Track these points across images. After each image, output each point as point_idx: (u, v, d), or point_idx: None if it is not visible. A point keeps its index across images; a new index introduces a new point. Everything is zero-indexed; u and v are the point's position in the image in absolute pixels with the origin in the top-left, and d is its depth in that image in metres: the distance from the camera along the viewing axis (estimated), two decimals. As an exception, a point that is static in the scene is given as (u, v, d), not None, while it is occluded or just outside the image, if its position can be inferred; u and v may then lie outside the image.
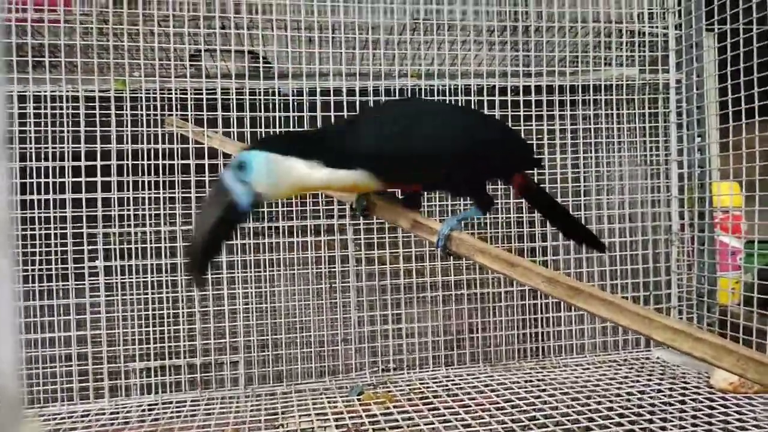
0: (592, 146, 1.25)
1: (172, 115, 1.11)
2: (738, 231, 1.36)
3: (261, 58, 1.16)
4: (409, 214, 0.86)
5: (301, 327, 1.20)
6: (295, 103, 1.13)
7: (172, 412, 1.01)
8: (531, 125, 1.20)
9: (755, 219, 1.11)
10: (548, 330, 1.26)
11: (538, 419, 0.92)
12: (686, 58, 1.22)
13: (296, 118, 1.13)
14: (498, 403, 0.99)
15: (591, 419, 0.90)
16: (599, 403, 0.97)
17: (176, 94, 1.10)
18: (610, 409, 0.94)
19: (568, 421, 0.90)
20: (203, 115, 1.10)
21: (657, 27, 1.24)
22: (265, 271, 1.15)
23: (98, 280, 1.09)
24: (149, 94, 1.11)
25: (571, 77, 1.23)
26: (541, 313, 1.26)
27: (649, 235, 1.25)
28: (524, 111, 1.20)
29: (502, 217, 1.23)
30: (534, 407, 0.96)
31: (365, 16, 1.16)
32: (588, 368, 1.17)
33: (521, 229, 1.22)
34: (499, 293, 1.23)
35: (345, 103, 1.14)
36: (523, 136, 1.16)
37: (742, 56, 1.09)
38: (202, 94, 1.11)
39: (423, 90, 1.18)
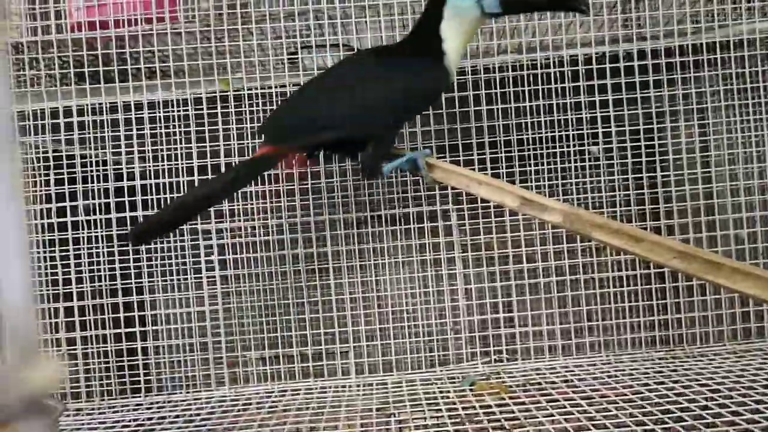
0: (722, 111, 1.12)
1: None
2: None
3: (356, 50, 1.16)
4: (516, 189, 0.81)
5: (409, 316, 1.18)
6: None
7: (287, 400, 1.03)
8: (649, 92, 1.10)
9: None
10: (679, 317, 1.14)
11: (674, 412, 0.83)
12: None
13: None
14: (625, 395, 0.91)
15: (736, 413, 0.79)
16: (744, 396, 0.85)
17: (276, 89, 1.12)
18: (760, 402, 0.82)
19: (709, 415, 0.80)
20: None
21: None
22: (369, 261, 1.15)
23: (214, 273, 1.14)
24: (251, 92, 1.14)
25: (693, 36, 1.10)
26: (671, 297, 1.15)
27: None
28: (640, 78, 1.10)
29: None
30: (668, 399, 0.87)
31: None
32: (728, 357, 1.05)
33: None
34: (620, 277, 1.13)
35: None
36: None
37: None
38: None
39: (525, 65, 1.11)
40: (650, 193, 1.13)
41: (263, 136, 0.96)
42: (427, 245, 1.14)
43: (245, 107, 1.13)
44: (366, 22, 1.14)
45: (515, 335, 1.15)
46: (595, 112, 1.10)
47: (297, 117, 0.92)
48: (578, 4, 0.83)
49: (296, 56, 1.19)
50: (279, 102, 1.12)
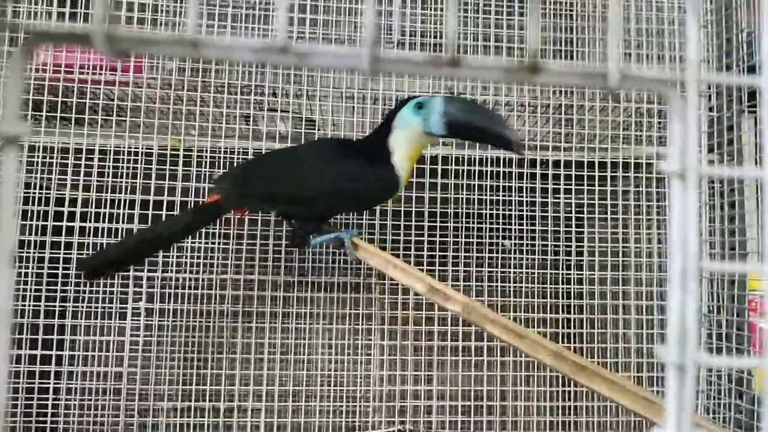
0: (620, 221, 1.26)
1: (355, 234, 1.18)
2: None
3: (311, 122, 1.26)
4: (425, 278, 0.90)
5: (323, 380, 1.23)
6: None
7: (192, 454, 1.05)
8: (570, 198, 1.23)
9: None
10: (580, 404, 1.23)
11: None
12: (716, 141, 1.23)
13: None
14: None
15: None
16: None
17: (224, 153, 1.20)
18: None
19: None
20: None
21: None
22: (292, 324, 1.21)
23: (139, 320, 1.17)
24: (201, 152, 1.21)
25: (603, 153, 1.26)
26: (575, 385, 1.25)
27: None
28: (564, 184, 1.23)
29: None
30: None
31: (404, 87, 1.24)
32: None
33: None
34: (529, 361, 1.23)
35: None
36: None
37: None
38: (248, 152, 1.20)
39: (454, 159, 1.23)
40: (564, 289, 1.25)
41: (218, 186, 1.01)
42: (349, 314, 1.22)
43: (194, 165, 1.20)
44: (318, 99, 1.24)
45: (420, 408, 1.22)
46: (512, 209, 1.22)
47: (251, 178, 0.99)
48: (515, 147, 0.92)
49: (249, 122, 1.27)
50: (228, 162, 1.20)
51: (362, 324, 1.21)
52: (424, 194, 1.20)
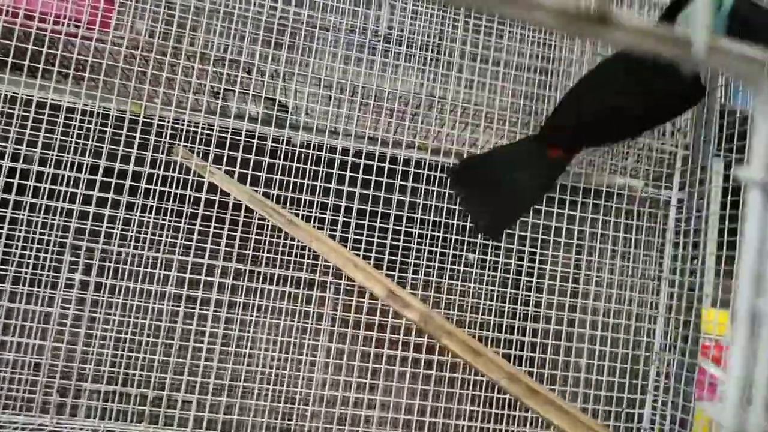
0: (585, 249, 1.24)
1: (180, 145, 1.14)
2: (721, 362, 1.32)
3: (284, 107, 1.20)
4: (386, 282, 0.85)
5: (262, 378, 1.17)
6: (305, 156, 1.15)
7: (111, 442, 0.98)
8: (539, 219, 1.21)
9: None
10: (513, 429, 1.21)
11: None
12: (690, 180, 1.23)
13: (303, 169, 1.15)
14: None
15: None
16: None
17: (187, 125, 1.13)
18: None
19: None
20: (210, 150, 1.12)
21: (667, 144, 1.26)
22: (237, 314, 1.14)
23: (71, 292, 1.08)
24: (163, 122, 1.14)
25: (576, 179, 1.24)
26: (524, 410, 1.22)
27: (630, 349, 1.22)
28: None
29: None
30: None
31: (385, 84, 1.20)
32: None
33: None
34: (477, 380, 1.19)
35: (349, 164, 1.16)
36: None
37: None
38: (213, 130, 1.13)
39: (429, 164, 1.19)
40: (521, 311, 1.22)
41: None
42: (299, 311, 1.16)
43: (152, 135, 1.13)
44: (294, 84, 1.19)
45: (360, 418, 1.17)
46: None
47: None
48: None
49: (217, 98, 1.21)
50: (191, 137, 1.13)
51: (312, 323, 1.15)
52: (392, 196, 1.16)
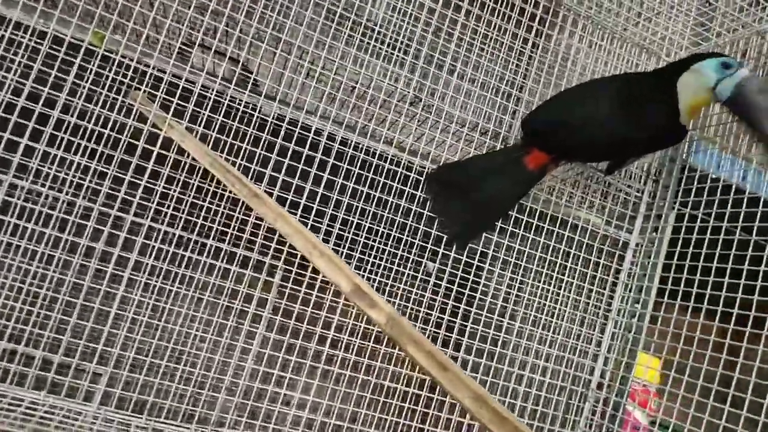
0: (534, 274, 1.23)
1: (140, 89, 1.02)
2: (646, 406, 1.35)
3: (250, 73, 1.10)
4: (353, 276, 0.79)
5: (187, 360, 1.06)
6: (273, 127, 1.07)
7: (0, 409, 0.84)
8: (492, 236, 1.18)
9: (663, 400, 1.11)
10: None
11: None
12: (652, 226, 1.25)
13: (268, 142, 1.06)
14: None
15: None
16: None
17: (153, 70, 1.01)
18: None
19: None
20: (172, 103, 1.01)
21: (633, 186, 1.28)
22: (172, 285, 1.03)
23: (-19, 231, 0.94)
24: (124, 60, 1.02)
25: (541, 205, 1.23)
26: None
27: (568, 384, 1.22)
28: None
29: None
30: None
31: (345, 75, 1.13)
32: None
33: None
34: (407, 392, 1.14)
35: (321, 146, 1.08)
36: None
37: (692, 242, 1.14)
38: (179, 82, 1.02)
39: (405, 163, 1.14)
40: (470, 329, 1.18)
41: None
42: (240, 293, 1.06)
43: (109, 72, 1.00)
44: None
45: (286, 417, 1.09)
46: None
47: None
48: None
49: (189, 49, 1.10)
50: (151, 85, 1.01)
51: (252, 308, 1.06)
52: (361, 188, 1.09)
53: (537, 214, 1.20)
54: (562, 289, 1.24)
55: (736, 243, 1.10)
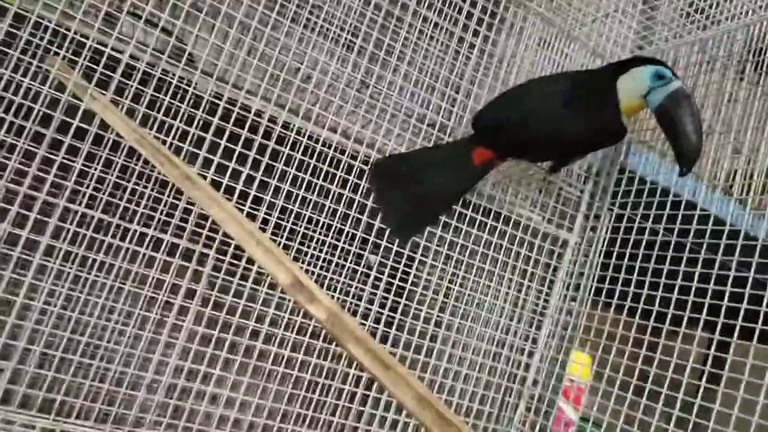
0: (475, 269, 1.21)
1: (58, 55, 0.92)
2: (578, 403, 1.38)
3: (185, 46, 1.02)
4: (293, 268, 0.74)
5: (104, 356, 0.97)
6: (209, 106, 0.99)
7: None
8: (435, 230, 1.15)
9: (597, 397, 1.12)
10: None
11: None
12: (590, 225, 1.26)
13: (204, 121, 0.98)
14: None
15: None
16: None
17: (75, 34, 0.91)
18: None
19: None
20: (96, 74, 0.92)
21: (574, 186, 1.29)
22: (89, 274, 0.94)
23: None
24: (42, 22, 0.91)
25: (482, 200, 1.21)
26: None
27: (504, 380, 1.21)
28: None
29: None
30: None
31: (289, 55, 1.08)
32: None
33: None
34: (343, 389, 1.09)
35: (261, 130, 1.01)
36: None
37: (630, 243, 1.16)
38: (105, 50, 0.93)
39: (351, 152, 1.09)
40: (410, 324, 1.15)
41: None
42: (167, 284, 0.98)
43: (23, 33, 0.89)
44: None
45: (210, 415, 1.02)
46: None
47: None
48: (684, 165, 0.94)
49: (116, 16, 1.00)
50: (71, 51, 0.91)
51: (179, 300, 0.98)
52: (303, 175, 1.03)
53: (480, 209, 1.19)
54: (502, 285, 1.23)
55: (658, 243, 1.13)
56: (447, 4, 1.19)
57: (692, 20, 1.25)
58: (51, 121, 0.89)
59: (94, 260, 0.95)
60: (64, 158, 0.90)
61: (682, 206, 1.11)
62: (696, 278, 1.03)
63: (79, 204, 0.92)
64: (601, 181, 1.29)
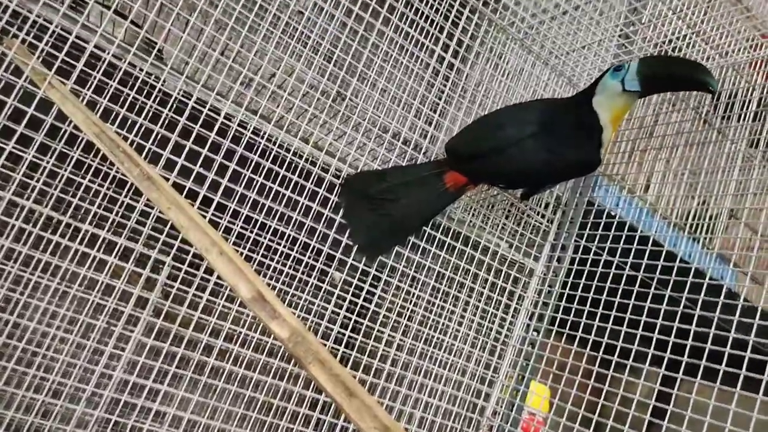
0: (442, 295, 1.19)
1: (16, 38, 0.86)
2: (535, 434, 1.36)
3: (155, 43, 0.97)
4: (257, 282, 0.69)
5: (41, 364, 0.90)
6: (177, 105, 0.94)
7: None
8: (402, 251, 1.12)
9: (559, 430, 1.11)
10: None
11: None
12: (556, 255, 1.26)
13: (170, 120, 0.93)
14: None
15: None
16: None
17: (38, 18, 0.85)
18: None
19: None
20: (57, 61, 0.86)
21: (542, 215, 1.28)
22: (34, 275, 0.87)
23: None
24: (2, 1, 0.85)
25: (451, 223, 1.19)
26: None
27: (464, 410, 1.18)
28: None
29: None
30: None
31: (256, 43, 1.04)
32: None
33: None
34: (295, 411, 1.04)
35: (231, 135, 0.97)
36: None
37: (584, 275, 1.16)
38: (68, 37, 0.87)
39: (321, 164, 1.06)
40: (371, 346, 1.11)
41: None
42: (117, 290, 0.92)
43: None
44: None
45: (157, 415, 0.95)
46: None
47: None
48: (712, 88, 0.91)
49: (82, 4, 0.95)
50: (32, 34, 0.85)
51: (129, 308, 0.91)
52: (270, 184, 0.99)
53: (450, 232, 1.16)
54: (467, 312, 1.21)
55: (611, 275, 1.13)
56: (429, 23, 1.18)
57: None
58: (3, 108, 0.83)
59: (39, 260, 0.88)
60: (14, 148, 0.84)
61: (636, 240, 1.11)
62: (645, 313, 1.03)
63: (27, 199, 0.86)
64: (570, 212, 1.29)
